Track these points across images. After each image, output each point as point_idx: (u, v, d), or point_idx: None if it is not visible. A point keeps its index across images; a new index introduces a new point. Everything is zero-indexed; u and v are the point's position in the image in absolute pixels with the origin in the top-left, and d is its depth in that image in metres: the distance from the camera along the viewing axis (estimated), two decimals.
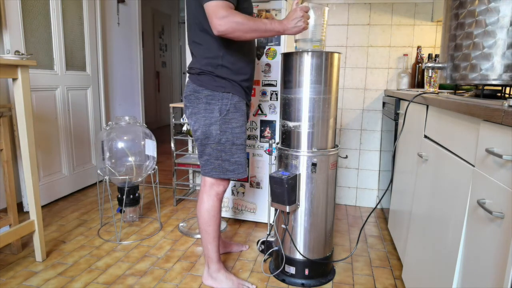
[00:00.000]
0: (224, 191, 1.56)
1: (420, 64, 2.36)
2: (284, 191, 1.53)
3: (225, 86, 1.42)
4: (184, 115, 2.64)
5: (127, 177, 2.06)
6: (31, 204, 1.73)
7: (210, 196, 1.53)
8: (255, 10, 2.07)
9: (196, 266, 1.78)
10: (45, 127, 2.51)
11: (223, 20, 1.22)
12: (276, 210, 1.65)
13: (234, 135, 1.46)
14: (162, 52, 6.26)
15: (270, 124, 2.15)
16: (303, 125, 1.57)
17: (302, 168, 1.58)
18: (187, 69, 1.52)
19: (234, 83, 1.44)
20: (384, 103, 2.45)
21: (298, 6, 1.33)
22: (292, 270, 1.66)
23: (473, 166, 0.94)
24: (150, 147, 2.15)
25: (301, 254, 1.63)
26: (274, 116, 2.13)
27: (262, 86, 2.13)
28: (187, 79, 1.52)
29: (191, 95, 1.44)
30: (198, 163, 2.50)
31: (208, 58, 1.41)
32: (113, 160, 2.14)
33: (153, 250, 1.93)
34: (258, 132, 2.19)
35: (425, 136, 1.41)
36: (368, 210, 2.60)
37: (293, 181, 1.55)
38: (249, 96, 1.55)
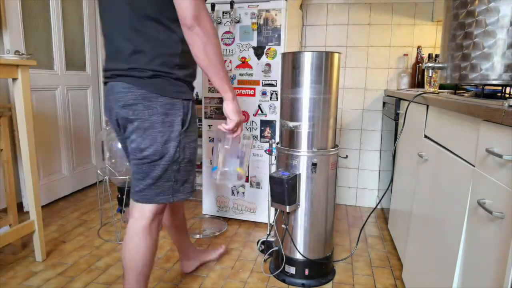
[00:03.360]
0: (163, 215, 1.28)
1: (420, 64, 2.36)
2: (284, 191, 1.53)
3: (185, 91, 1.15)
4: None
5: (127, 177, 2.06)
6: (31, 204, 1.73)
7: (151, 229, 1.20)
8: (255, 10, 2.07)
9: None
10: (45, 127, 2.51)
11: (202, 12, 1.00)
12: (276, 210, 1.64)
13: (192, 150, 1.21)
14: None
15: (270, 124, 2.15)
16: (303, 125, 1.57)
17: (302, 168, 1.58)
18: (114, 69, 1.13)
19: (189, 85, 1.19)
20: (384, 103, 2.45)
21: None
22: (292, 270, 1.66)
23: (473, 166, 0.94)
24: None
25: (301, 254, 1.63)
26: (274, 116, 2.13)
27: (262, 86, 2.13)
28: (119, 84, 1.13)
29: (138, 105, 1.10)
30: (199, 163, 2.52)
31: (163, 56, 1.09)
32: (113, 160, 2.14)
33: None
34: (258, 132, 2.19)
35: (425, 136, 1.41)
36: (368, 210, 2.60)
37: (293, 181, 1.55)
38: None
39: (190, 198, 1.28)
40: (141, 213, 1.19)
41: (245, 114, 2.20)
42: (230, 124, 1.20)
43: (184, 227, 1.63)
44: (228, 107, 1.18)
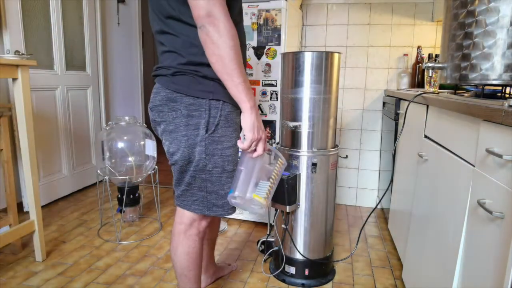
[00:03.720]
0: (208, 226, 1.21)
1: (420, 64, 2.36)
2: (284, 191, 1.53)
3: (213, 90, 1.03)
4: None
5: (127, 177, 2.06)
6: (31, 204, 1.73)
7: (191, 236, 1.17)
8: (255, 10, 2.07)
9: None
10: (45, 127, 2.51)
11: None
12: (276, 210, 1.64)
13: (225, 158, 1.08)
14: None
15: (270, 124, 2.15)
16: (303, 125, 1.57)
17: (302, 168, 1.58)
18: (153, 70, 1.10)
19: (223, 85, 1.03)
20: (384, 103, 2.45)
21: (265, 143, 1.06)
22: (292, 270, 1.65)
23: (473, 166, 0.94)
24: (150, 147, 2.15)
25: (301, 254, 1.63)
26: (274, 116, 2.13)
27: (262, 86, 2.13)
28: (155, 84, 1.10)
29: (163, 106, 1.04)
30: None
31: (189, 54, 1.02)
32: (113, 160, 2.14)
33: (153, 250, 1.93)
34: None
35: (425, 136, 1.41)
36: (368, 210, 2.60)
37: (293, 181, 1.55)
38: None
39: (230, 215, 1.17)
40: (180, 218, 1.17)
41: None
42: (245, 143, 1.03)
43: (214, 242, 1.57)
44: (244, 122, 1.01)
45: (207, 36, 0.91)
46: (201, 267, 1.25)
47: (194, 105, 1.02)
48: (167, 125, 1.05)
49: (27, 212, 2.24)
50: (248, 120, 1.00)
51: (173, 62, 1.03)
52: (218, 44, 0.91)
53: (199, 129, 1.03)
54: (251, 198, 1.07)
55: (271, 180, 1.12)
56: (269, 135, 2.16)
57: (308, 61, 1.52)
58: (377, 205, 1.69)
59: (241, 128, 1.09)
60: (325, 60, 1.52)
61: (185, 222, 1.16)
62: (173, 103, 1.03)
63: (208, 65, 0.98)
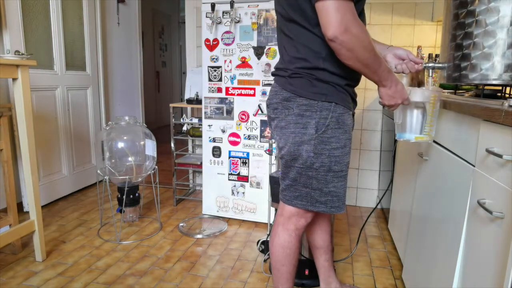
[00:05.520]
0: (306, 225, 1.23)
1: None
2: None
3: (327, 93, 1.07)
4: (183, 116, 2.64)
5: (127, 177, 2.06)
6: (31, 204, 1.73)
7: (288, 230, 1.21)
8: (255, 10, 2.07)
9: (196, 266, 1.78)
10: (45, 127, 2.51)
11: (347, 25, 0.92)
12: (276, 210, 1.64)
13: (332, 158, 1.10)
14: (162, 52, 6.25)
15: None
16: None
17: None
18: (273, 69, 1.20)
19: (339, 88, 1.08)
20: None
21: (408, 91, 1.11)
22: None
23: (473, 166, 0.94)
24: (150, 147, 2.15)
25: (301, 254, 1.63)
26: None
27: (262, 86, 2.13)
28: (274, 83, 1.18)
29: (279, 104, 1.12)
30: (199, 163, 2.52)
31: (307, 58, 1.06)
32: (113, 160, 2.14)
33: (153, 250, 1.93)
34: (258, 132, 2.19)
35: None
36: (368, 210, 2.60)
37: None
38: (355, 104, 1.21)
39: (335, 213, 1.23)
40: (281, 210, 1.22)
41: (245, 114, 2.20)
42: (388, 106, 1.11)
43: (328, 251, 1.47)
44: (380, 94, 1.10)
45: (340, 46, 0.95)
46: (295, 266, 1.26)
47: (306, 106, 1.07)
48: (280, 121, 1.13)
49: (27, 212, 2.24)
50: (383, 93, 1.09)
51: (290, 64, 1.10)
52: (353, 50, 0.96)
53: (307, 128, 1.08)
54: (414, 141, 1.18)
55: (428, 115, 1.17)
56: (269, 135, 2.16)
57: None
58: (377, 205, 1.70)
59: (352, 129, 1.20)
60: None
61: (284, 215, 1.21)
62: (287, 102, 1.10)
63: (322, 69, 1.05)
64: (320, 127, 1.07)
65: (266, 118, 2.14)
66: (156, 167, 2.19)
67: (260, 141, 2.19)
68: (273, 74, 1.19)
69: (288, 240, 1.21)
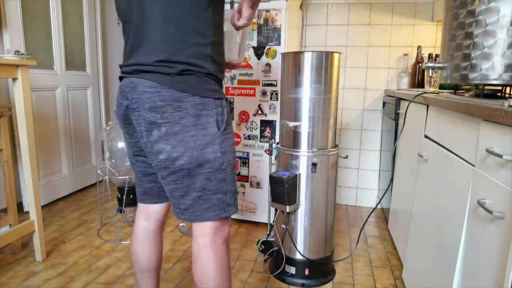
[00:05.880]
0: (230, 231, 1.12)
1: (420, 64, 2.36)
2: (284, 191, 1.53)
3: (216, 89, 1.01)
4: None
5: (127, 177, 2.06)
6: (31, 204, 1.73)
7: (217, 245, 1.06)
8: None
9: None
10: (45, 127, 2.51)
11: None
12: (276, 210, 1.64)
13: (234, 154, 1.05)
14: None
15: (270, 124, 2.15)
16: (303, 125, 1.57)
17: (302, 168, 1.58)
18: (137, 63, 0.97)
19: (220, 83, 1.05)
20: (384, 103, 2.45)
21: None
22: (292, 270, 1.65)
23: (474, 166, 0.94)
24: None
25: (301, 254, 1.63)
26: (274, 116, 2.13)
27: (262, 86, 2.13)
28: (136, 80, 0.97)
29: (167, 107, 0.94)
30: None
31: (196, 45, 0.94)
32: (113, 160, 2.14)
33: None
34: (258, 132, 2.19)
35: (425, 136, 1.41)
36: (368, 210, 2.60)
37: (293, 181, 1.55)
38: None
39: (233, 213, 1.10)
40: (201, 231, 1.06)
41: (245, 114, 2.20)
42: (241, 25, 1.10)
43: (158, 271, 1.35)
44: (251, 16, 1.08)
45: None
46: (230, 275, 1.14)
47: (201, 105, 0.96)
48: (172, 127, 0.95)
49: (27, 212, 2.24)
50: (252, 16, 1.08)
51: (176, 56, 0.97)
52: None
53: (208, 128, 0.97)
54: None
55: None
56: (269, 135, 2.16)
57: (308, 61, 1.52)
58: (377, 205, 1.70)
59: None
60: (325, 60, 1.52)
61: (208, 233, 1.05)
62: (178, 102, 0.94)
63: (211, 59, 0.97)
64: (220, 125, 0.99)
65: (265, 118, 2.14)
66: None
67: (260, 141, 2.19)
68: (145, 71, 0.96)
69: (224, 255, 1.07)
